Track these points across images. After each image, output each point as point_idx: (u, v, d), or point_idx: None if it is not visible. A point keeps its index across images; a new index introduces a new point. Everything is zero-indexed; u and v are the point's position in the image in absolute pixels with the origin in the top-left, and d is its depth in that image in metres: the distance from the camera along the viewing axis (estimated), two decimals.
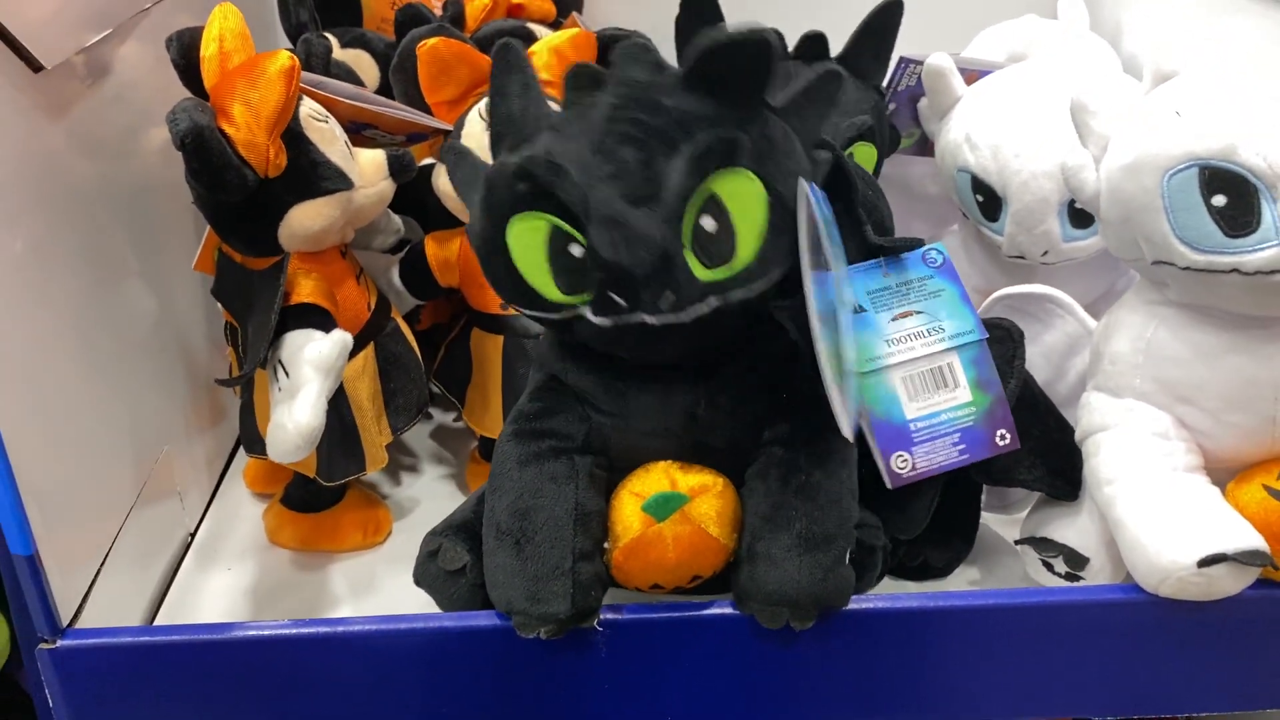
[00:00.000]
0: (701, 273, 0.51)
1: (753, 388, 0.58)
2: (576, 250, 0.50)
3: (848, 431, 0.55)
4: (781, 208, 0.52)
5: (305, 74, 0.67)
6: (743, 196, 0.51)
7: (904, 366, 0.61)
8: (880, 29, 0.82)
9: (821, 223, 0.54)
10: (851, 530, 0.57)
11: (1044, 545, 0.64)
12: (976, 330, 0.61)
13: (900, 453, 0.60)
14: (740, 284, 0.51)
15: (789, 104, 0.55)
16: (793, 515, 0.55)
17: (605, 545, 0.56)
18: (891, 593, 0.61)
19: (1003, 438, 0.61)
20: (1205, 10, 0.88)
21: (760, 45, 0.49)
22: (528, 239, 0.51)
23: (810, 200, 0.53)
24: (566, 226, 0.50)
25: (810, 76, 0.56)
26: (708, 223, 0.50)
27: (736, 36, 0.49)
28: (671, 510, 0.55)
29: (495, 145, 0.56)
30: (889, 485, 0.60)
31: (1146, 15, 0.99)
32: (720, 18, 0.82)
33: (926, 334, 0.62)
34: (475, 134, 0.71)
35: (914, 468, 0.60)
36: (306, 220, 0.63)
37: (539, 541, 0.54)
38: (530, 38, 0.81)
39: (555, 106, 0.56)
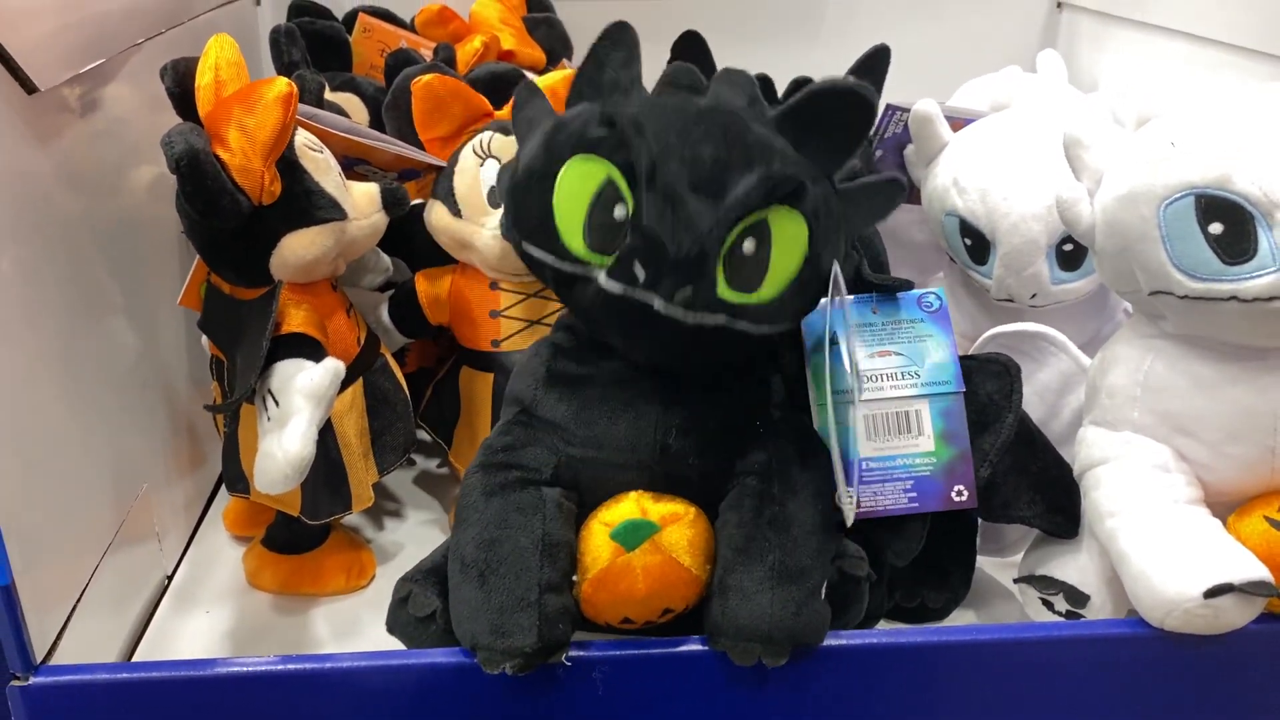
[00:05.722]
0: (723, 290, 0.50)
1: (726, 418, 0.57)
2: (619, 212, 0.50)
3: (849, 517, 0.55)
4: (814, 268, 0.52)
5: (300, 106, 0.67)
6: (789, 237, 0.51)
7: (868, 405, 0.60)
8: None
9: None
10: (827, 563, 0.55)
11: (1044, 583, 0.63)
12: (954, 383, 0.61)
13: (846, 488, 0.59)
14: (751, 317, 0.51)
15: (848, 191, 0.55)
16: (766, 547, 0.54)
17: (574, 578, 0.55)
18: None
19: (959, 494, 0.60)
20: (1183, 64, 0.90)
21: (864, 103, 0.50)
22: (579, 182, 0.51)
23: (840, 284, 0.53)
24: (623, 183, 0.50)
25: (877, 178, 0.56)
26: (748, 245, 0.50)
27: (844, 86, 0.50)
28: (641, 539, 0.53)
29: (571, 105, 0.55)
30: None
31: (1123, 71, 1.01)
32: (712, 65, 0.83)
33: (899, 376, 0.61)
34: (469, 170, 0.71)
35: (857, 506, 0.59)
36: (299, 249, 0.63)
37: (504, 573, 0.53)
38: (521, 80, 0.81)
39: None
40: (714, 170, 0.49)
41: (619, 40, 0.55)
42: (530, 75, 0.87)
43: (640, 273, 0.49)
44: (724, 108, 0.52)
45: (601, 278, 0.50)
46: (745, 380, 0.58)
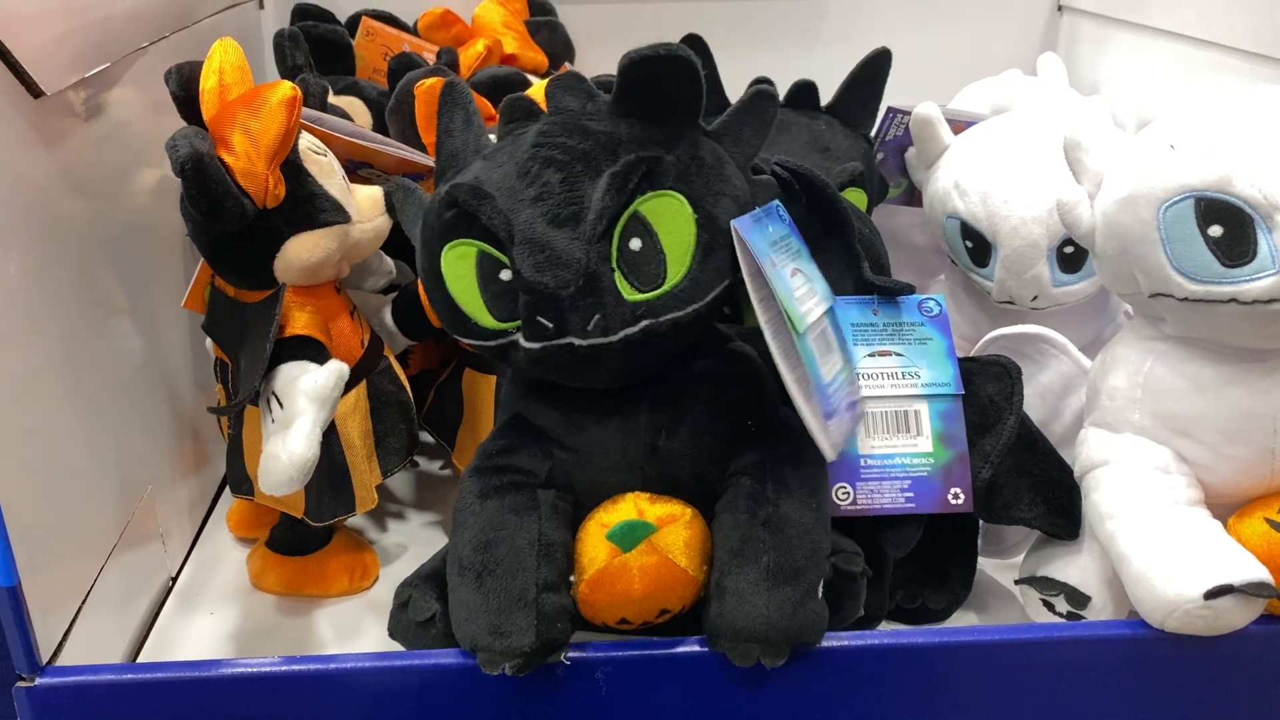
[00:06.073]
0: (631, 294, 0.51)
1: (714, 417, 0.57)
2: (505, 275, 0.51)
3: (829, 453, 0.54)
4: (712, 228, 0.52)
5: (304, 109, 0.67)
6: (669, 217, 0.51)
7: (868, 402, 0.61)
8: (869, 79, 0.83)
9: (772, 245, 0.54)
10: (823, 562, 0.55)
11: (1045, 584, 0.63)
12: (953, 385, 0.62)
13: (843, 484, 0.60)
14: (672, 306, 0.52)
15: (722, 127, 0.56)
16: (761, 548, 0.53)
17: (571, 579, 0.55)
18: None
19: (956, 496, 0.60)
20: (1183, 68, 0.90)
21: (681, 62, 0.50)
22: (459, 266, 0.53)
23: (744, 239, 0.53)
24: (493, 251, 0.51)
25: (743, 98, 0.56)
26: (634, 244, 0.51)
27: (657, 52, 0.50)
28: (638, 540, 0.54)
29: (438, 180, 0.56)
30: None
31: (1123, 74, 1.01)
32: (714, 68, 0.83)
33: (900, 376, 0.62)
34: None
35: (854, 502, 0.60)
36: (303, 252, 0.63)
37: (500, 574, 0.53)
38: (524, 84, 0.82)
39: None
40: (564, 193, 0.50)
41: (452, 103, 0.57)
42: (532, 78, 0.88)
43: (546, 323, 0.50)
44: (558, 124, 0.52)
45: (521, 340, 0.52)
46: (734, 376, 0.58)
